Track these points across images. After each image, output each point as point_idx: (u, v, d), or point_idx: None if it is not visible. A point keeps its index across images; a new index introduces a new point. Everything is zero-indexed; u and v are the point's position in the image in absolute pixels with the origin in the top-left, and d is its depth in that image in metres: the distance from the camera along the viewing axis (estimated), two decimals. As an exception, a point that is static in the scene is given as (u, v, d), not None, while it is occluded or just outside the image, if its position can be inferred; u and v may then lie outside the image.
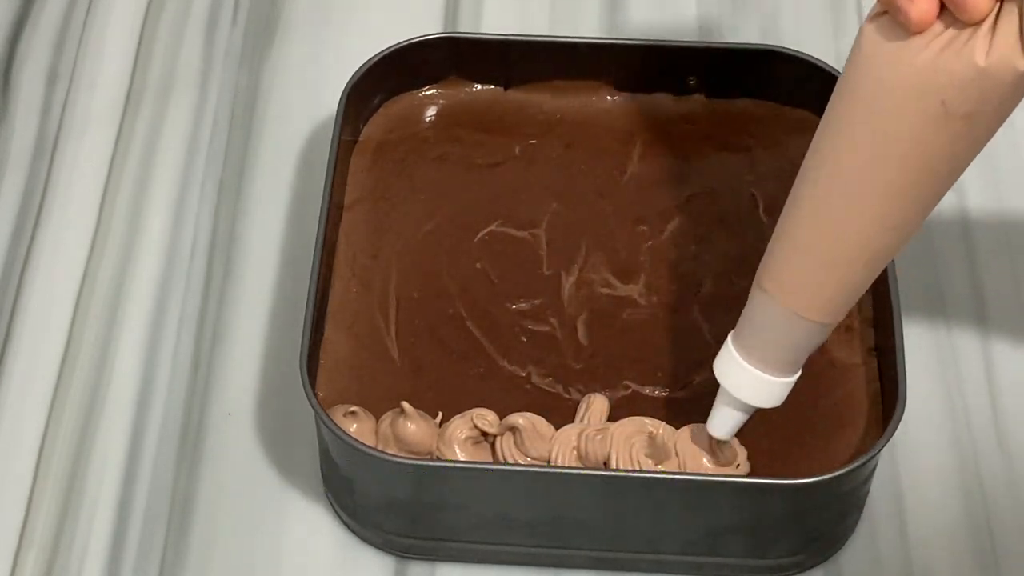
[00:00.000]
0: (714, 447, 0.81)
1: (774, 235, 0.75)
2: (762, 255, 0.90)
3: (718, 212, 0.93)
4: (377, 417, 0.84)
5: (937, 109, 0.65)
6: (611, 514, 0.82)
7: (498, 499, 0.82)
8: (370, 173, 0.94)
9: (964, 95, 0.65)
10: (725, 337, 0.87)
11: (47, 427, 0.90)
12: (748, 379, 0.78)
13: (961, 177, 1.00)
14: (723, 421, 0.80)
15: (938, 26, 0.65)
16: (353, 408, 0.83)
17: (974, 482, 0.88)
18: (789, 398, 0.84)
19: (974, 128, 0.66)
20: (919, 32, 0.65)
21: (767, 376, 0.77)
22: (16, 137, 1.02)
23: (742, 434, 0.81)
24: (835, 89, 0.70)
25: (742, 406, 0.79)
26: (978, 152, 0.68)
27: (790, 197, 0.73)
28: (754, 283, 0.77)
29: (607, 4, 1.09)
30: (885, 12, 0.66)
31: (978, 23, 0.64)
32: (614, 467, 0.81)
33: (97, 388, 0.91)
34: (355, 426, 0.83)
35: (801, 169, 0.72)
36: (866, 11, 1.07)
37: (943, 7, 0.64)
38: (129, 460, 0.89)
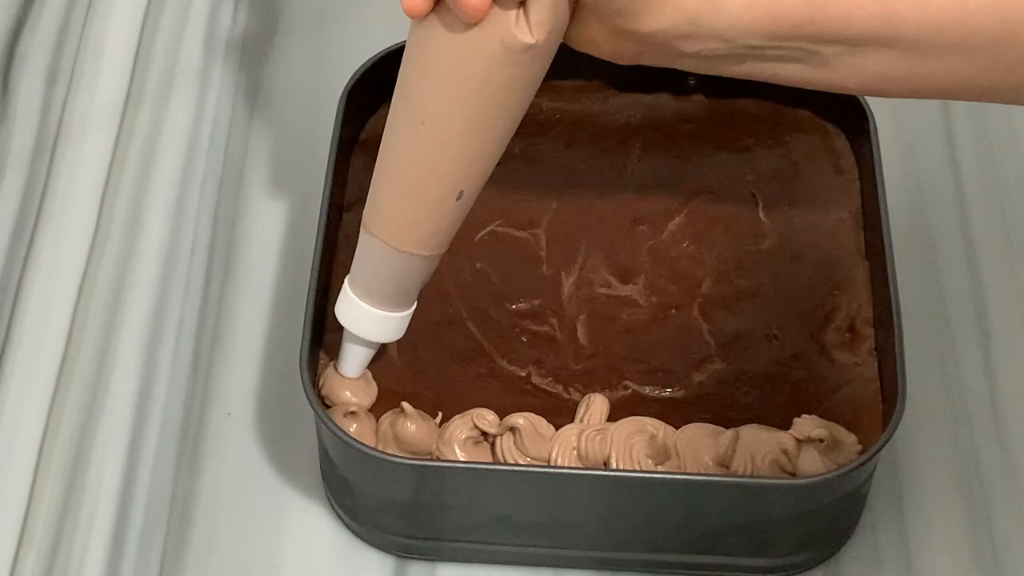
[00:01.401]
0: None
1: (373, 180, 0.79)
2: (762, 255, 0.90)
3: (718, 212, 0.93)
4: (377, 417, 0.84)
5: (486, 73, 0.73)
6: (611, 514, 0.82)
7: (498, 499, 0.82)
8: (370, 173, 0.94)
9: (500, 65, 0.73)
10: (725, 337, 0.87)
11: (47, 427, 0.90)
12: (367, 318, 0.81)
13: (961, 177, 1.00)
14: (351, 360, 0.83)
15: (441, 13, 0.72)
16: (353, 408, 0.83)
17: (974, 482, 0.88)
18: (790, 398, 0.85)
19: (516, 85, 0.74)
20: (416, 18, 0.73)
21: (384, 312, 0.81)
22: (16, 137, 1.02)
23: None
24: (406, 46, 0.75)
25: (366, 343, 0.83)
26: (529, 95, 0.75)
27: (383, 141, 0.78)
28: (361, 226, 0.80)
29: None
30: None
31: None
32: (614, 467, 0.81)
33: (97, 388, 0.91)
34: (355, 426, 0.83)
35: (388, 118, 0.77)
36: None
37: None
38: (129, 460, 0.89)
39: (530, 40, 0.72)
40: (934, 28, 0.71)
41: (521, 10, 0.72)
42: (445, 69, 0.74)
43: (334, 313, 0.83)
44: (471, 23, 0.72)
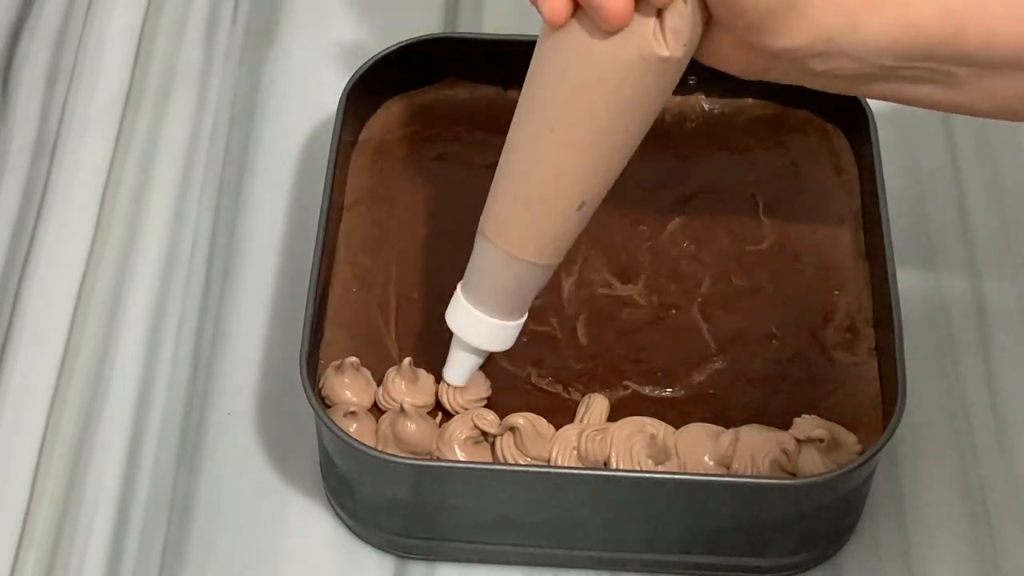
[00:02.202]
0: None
1: (492, 187, 0.78)
2: (762, 255, 0.90)
3: (718, 212, 0.93)
4: (377, 417, 0.84)
5: (620, 82, 0.73)
6: (611, 514, 0.82)
7: (498, 499, 0.82)
8: (370, 173, 0.94)
9: (634, 75, 0.73)
10: (725, 337, 0.87)
11: (47, 427, 0.90)
12: (479, 325, 0.81)
13: (961, 177, 1.00)
14: (458, 367, 0.83)
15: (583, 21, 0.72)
16: (353, 408, 0.83)
17: (974, 482, 0.88)
18: (790, 398, 0.85)
19: (647, 96, 0.74)
20: (556, 27, 0.72)
21: (496, 321, 0.81)
22: (16, 137, 1.02)
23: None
24: (536, 53, 0.75)
25: (475, 351, 0.82)
26: (656, 109, 0.76)
27: (505, 148, 0.77)
28: (477, 232, 0.80)
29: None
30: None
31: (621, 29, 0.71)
32: (614, 467, 0.81)
33: (97, 388, 0.91)
34: (355, 426, 0.83)
35: (512, 125, 0.77)
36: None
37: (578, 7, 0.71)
38: (129, 460, 0.89)
39: (665, 53, 0.72)
40: None
41: (659, 21, 0.71)
42: (579, 76, 0.73)
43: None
44: (611, 31, 0.71)
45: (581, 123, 0.74)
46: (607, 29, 0.71)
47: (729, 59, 0.74)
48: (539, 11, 0.72)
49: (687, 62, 0.74)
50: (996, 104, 0.73)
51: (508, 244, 0.78)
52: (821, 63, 0.71)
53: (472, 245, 0.90)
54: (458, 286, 0.82)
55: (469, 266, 0.81)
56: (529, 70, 0.75)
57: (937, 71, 0.71)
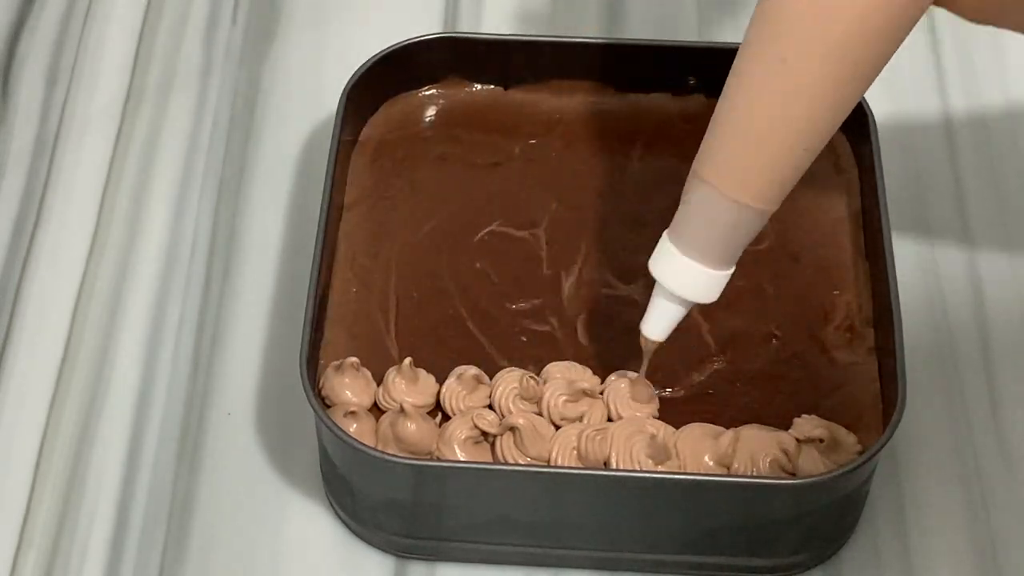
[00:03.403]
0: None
1: (710, 127, 0.76)
2: (762, 255, 0.90)
3: (718, 212, 0.93)
4: (377, 417, 0.84)
5: (842, 32, 0.71)
6: (611, 514, 0.82)
7: (498, 499, 0.82)
8: (370, 173, 0.94)
9: (881, 4, 0.71)
10: (725, 337, 0.87)
11: (47, 427, 0.90)
12: (689, 274, 0.78)
13: (961, 177, 1.00)
14: (659, 319, 0.80)
15: None
16: (353, 408, 0.83)
17: (974, 482, 0.88)
18: (790, 398, 0.85)
19: (888, 28, 0.72)
20: None
21: (706, 268, 0.77)
22: (16, 137, 1.02)
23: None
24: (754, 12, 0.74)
25: (679, 301, 0.79)
26: (894, 45, 0.73)
27: (726, 89, 0.75)
28: (690, 178, 0.77)
29: (607, 4, 1.09)
30: None
31: None
32: (614, 467, 0.81)
33: (97, 388, 0.91)
34: (355, 426, 0.83)
35: (733, 66, 0.75)
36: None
37: None
38: (129, 460, 0.89)
39: None
40: None
41: None
42: (821, 6, 0.71)
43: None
44: None
45: (817, 56, 0.72)
46: None
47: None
48: None
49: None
50: None
51: (726, 185, 0.75)
52: None
53: (472, 245, 0.90)
54: (664, 234, 0.78)
55: (680, 211, 0.78)
56: (758, 3, 0.73)
57: None
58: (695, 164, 0.77)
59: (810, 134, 0.74)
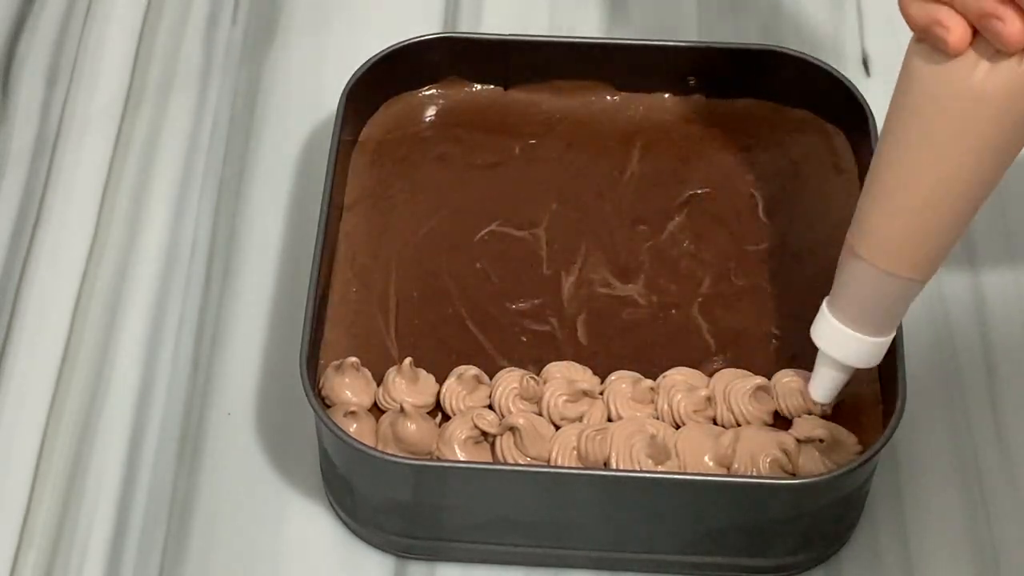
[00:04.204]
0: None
1: (861, 202, 0.78)
2: (762, 255, 0.90)
3: (718, 212, 0.93)
4: (377, 417, 0.84)
5: (991, 116, 0.73)
6: (611, 514, 0.82)
7: (498, 499, 0.82)
8: (370, 173, 0.94)
9: (1011, 104, 0.72)
10: (725, 337, 0.87)
11: (47, 427, 0.90)
12: (848, 342, 0.80)
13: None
14: (827, 385, 0.82)
15: (978, 49, 0.72)
16: (353, 408, 0.83)
17: (974, 482, 0.88)
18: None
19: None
20: (957, 55, 0.72)
21: (866, 338, 0.80)
22: (16, 137, 1.02)
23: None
24: (894, 95, 0.75)
25: (842, 368, 0.81)
26: None
27: (872, 168, 0.77)
28: (845, 252, 0.79)
29: (607, 4, 1.09)
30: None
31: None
32: (614, 467, 0.81)
33: (97, 388, 0.91)
34: (355, 426, 0.83)
35: (878, 151, 0.76)
36: (866, 11, 1.07)
37: (976, 32, 0.71)
38: (129, 460, 0.89)
39: None
40: None
41: None
42: (969, 95, 0.72)
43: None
44: (1008, 52, 0.71)
45: (963, 142, 0.73)
46: (1006, 51, 0.70)
47: None
48: (937, 39, 0.71)
49: None
50: None
51: (884, 262, 0.77)
52: None
53: (472, 245, 0.90)
54: (824, 302, 0.81)
55: (836, 283, 0.80)
56: (901, 86, 0.74)
57: None
58: (849, 236, 0.78)
59: (965, 210, 0.76)
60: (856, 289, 0.79)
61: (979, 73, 0.72)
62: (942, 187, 0.75)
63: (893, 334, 0.81)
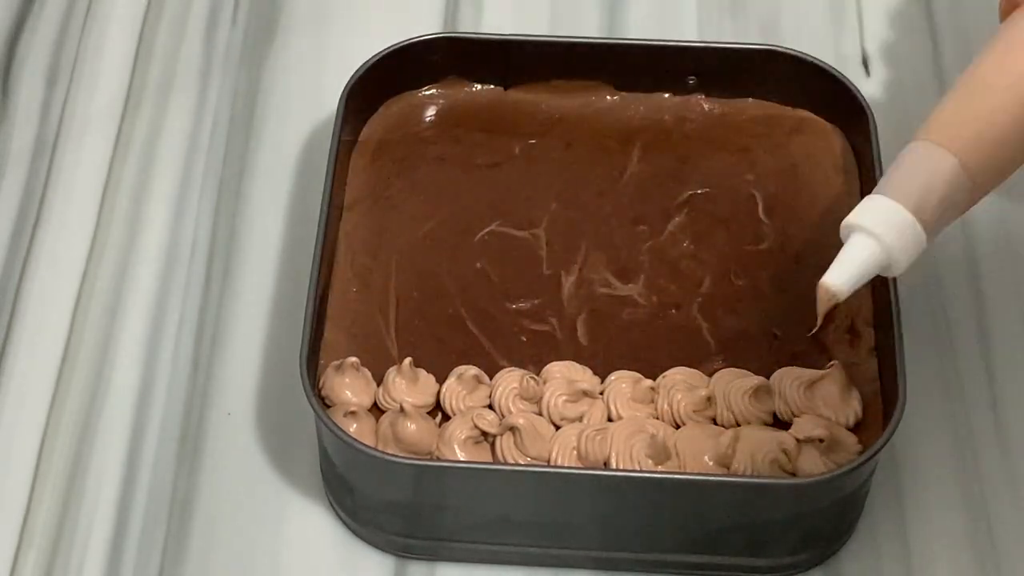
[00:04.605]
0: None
1: (949, 96, 0.77)
2: (762, 255, 0.90)
3: (718, 212, 0.93)
4: (377, 417, 0.84)
5: None
6: (611, 514, 0.82)
7: (498, 499, 0.82)
8: (370, 173, 0.94)
9: None
10: (725, 336, 0.87)
11: (47, 427, 0.90)
12: (897, 217, 0.75)
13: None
14: (849, 268, 0.76)
15: None
16: (353, 408, 0.83)
17: (974, 482, 0.88)
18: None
19: None
20: None
21: (909, 215, 0.75)
22: (16, 137, 1.02)
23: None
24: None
25: (877, 251, 0.75)
26: None
27: (977, 60, 0.77)
28: (910, 146, 0.76)
29: (607, 4, 1.09)
30: None
31: None
32: (614, 467, 0.81)
33: (97, 388, 0.91)
34: (355, 426, 0.83)
35: (979, 58, 0.77)
36: (866, 11, 1.07)
37: None
38: (129, 460, 0.89)
39: None
40: None
41: None
42: None
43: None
44: None
45: None
46: None
47: None
48: None
49: None
50: None
51: (939, 137, 0.75)
52: None
53: (472, 245, 0.90)
54: (874, 192, 0.76)
55: (895, 171, 0.76)
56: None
57: None
58: (926, 128, 0.76)
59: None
60: (918, 171, 0.75)
61: None
62: (1012, 85, 0.75)
63: (926, 243, 0.75)
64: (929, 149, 0.75)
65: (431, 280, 0.90)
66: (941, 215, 0.75)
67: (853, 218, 0.75)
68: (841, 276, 0.76)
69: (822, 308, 0.77)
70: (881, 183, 0.76)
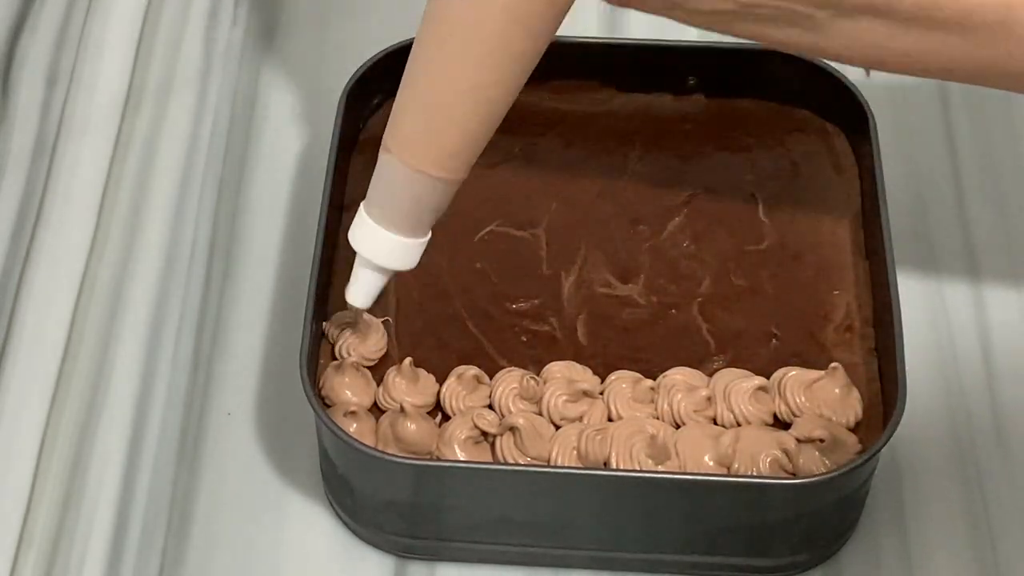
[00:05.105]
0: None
1: (396, 101, 0.80)
2: (762, 255, 0.90)
3: (718, 212, 0.93)
4: (377, 417, 0.84)
5: (499, 15, 0.76)
6: (611, 514, 0.82)
7: (498, 499, 0.82)
8: (370, 173, 0.94)
9: (516, 4, 0.76)
10: (725, 336, 0.87)
11: (47, 427, 0.90)
12: (381, 242, 0.81)
13: (961, 177, 1.00)
14: (362, 287, 0.82)
15: None
16: (353, 408, 0.83)
17: (974, 482, 0.88)
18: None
19: (533, 24, 0.77)
20: None
21: (398, 238, 0.81)
22: (16, 137, 1.02)
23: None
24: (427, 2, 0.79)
25: (378, 269, 0.82)
26: (546, 35, 0.78)
27: (407, 67, 0.79)
28: (381, 151, 0.80)
29: (607, 4, 1.08)
30: None
31: None
32: (614, 467, 0.81)
33: (97, 388, 0.91)
34: (355, 426, 0.83)
35: (417, 33, 0.79)
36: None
37: None
38: (129, 460, 0.89)
39: None
40: (932, 2, 0.71)
41: None
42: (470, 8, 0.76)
43: (347, 238, 0.82)
44: None
45: (476, 30, 0.77)
46: None
47: None
48: None
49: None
50: (858, 52, 0.76)
51: (407, 155, 0.79)
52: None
53: (472, 245, 0.90)
54: (361, 205, 0.82)
55: (372, 182, 0.81)
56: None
57: (797, 12, 0.74)
58: (384, 136, 0.80)
59: (481, 103, 0.78)
60: (385, 185, 0.80)
61: None
62: (456, 82, 0.77)
63: (427, 236, 0.82)
64: (398, 168, 0.79)
65: (431, 280, 0.90)
66: (424, 216, 0.81)
67: (351, 241, 0.82)
68: (359, 296, 0.83)
69: (354, 319, 0.85)
70: (368, 197, 0.81)
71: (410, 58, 0.79)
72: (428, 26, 0.78)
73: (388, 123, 0.80)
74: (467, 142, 0.79)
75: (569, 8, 0.77)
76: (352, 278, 0.82)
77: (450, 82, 0.78)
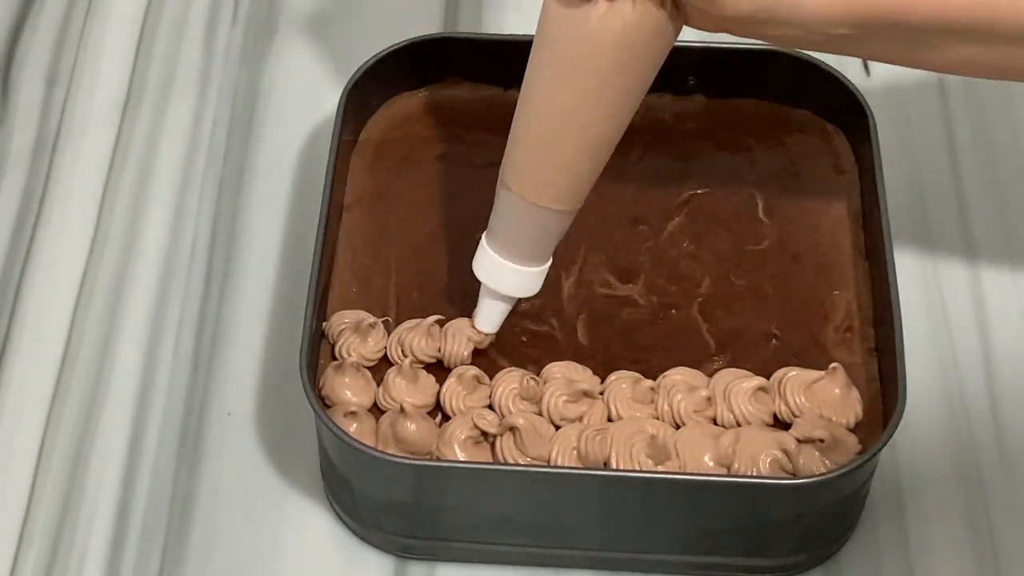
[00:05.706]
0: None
1: (511, 134, 0.81)
2: (762, 255, 0.91)
3: (718, 212, 0.93)
4: (377, 417, 0.84)
5: (610, 53, 0.77)
6: (611, 514, 0.82)
7: (498, 499, 0.82)
8: (370, 173, 0.94)
9: (626, 41, 0.77)
10: (725, 336, 0.87)
11: (47, 427, 0.90)
12: (505, 273, 0.84)
13: (961, 177, 1.00)
14: (488, 315, 0.86)
15: None
16: (353, 408, 0.83)
17: (974, 482, 0.88)
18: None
19: (641, 60, 0.79)
20: None
21: (520, 268, 0.84)
22: (16, 137, 1.02)
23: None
24: (536, 34, 0.79)
25: (504, 299, 0.85)
26: (653, 68, 0.79)
27: (521, 95, 0.81)
28: (499, 181, 0.82)
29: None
30: None
31: None
32: (614, 467, 0.81)
33: (97, 388, 0.91)
34: (355, 426, 0.83)
35: (525, 76, 0.80)
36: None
37: None
38: (129, 460, 0.89)
39: (666, 10, 0.76)
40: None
41: None
42: (588, 33, 0.76)
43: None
44: None
45: (585, 79, 0.78)
46: None
47: (692, 18, 0.78)
48: None
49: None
50: (946, 64, 0.77)
51: (527, 192, 0.81)
52: (769, 29, 0.75)
53: (473, 245, 0.90)
54: (483, 235, 0.84)
55: (492, 215, 0.83)
56: (539, 21, 0.79)
57: (888, 37, 0.75)
58: (501, 173, 0.82)
59: (593, 145, 0.80)
60: (508, 221, 0.83)
61: (597, 13, 0.76)
62: (570, 120, 0.79)
63: (548, 263, 0.84)
64: (519, 203, 0.81)
65: (431, 280, 0.90)
66: (546, 246, 0.84)
67: (476, 272, 0.85)
68: (487, 323, 0.86)
69: (476, 345, 0.86)
70: (489, 230, 0.84)
71: (522, 92, 0.80)
72: (539, 63, 0.79)
73: (504, 157, 0.81)
74: (585, 177, 0.81)
75: (677, 37, 0.78)
76: (479, 307, 0.86)
77: (563, 122, 0.79)
